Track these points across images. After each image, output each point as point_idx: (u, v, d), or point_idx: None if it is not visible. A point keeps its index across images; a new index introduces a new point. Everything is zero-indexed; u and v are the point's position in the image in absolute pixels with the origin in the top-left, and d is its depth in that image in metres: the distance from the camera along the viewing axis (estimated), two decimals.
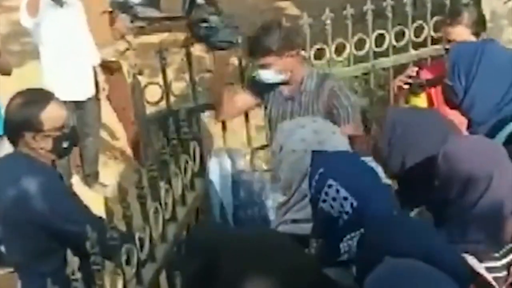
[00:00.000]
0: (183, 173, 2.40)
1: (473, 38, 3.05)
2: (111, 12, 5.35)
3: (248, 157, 3.95)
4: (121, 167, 5.77)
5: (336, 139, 2.07)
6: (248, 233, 1.73)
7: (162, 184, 2.21)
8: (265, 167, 4.75)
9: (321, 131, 2.06)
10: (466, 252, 1.86)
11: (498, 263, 1.92)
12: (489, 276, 1.87)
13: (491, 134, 2.51)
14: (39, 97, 2.65)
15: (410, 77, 3.07)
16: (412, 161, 2.13)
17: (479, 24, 3.12)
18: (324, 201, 1.75)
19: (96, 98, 5.03)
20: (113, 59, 5.17)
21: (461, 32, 3.06)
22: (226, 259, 1.57)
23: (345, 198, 1.73)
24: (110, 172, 5.62)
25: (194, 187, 2.53)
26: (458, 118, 2.59)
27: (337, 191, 1.73)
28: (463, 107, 2.60)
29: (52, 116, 2.59)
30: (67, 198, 2.64)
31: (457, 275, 1.52)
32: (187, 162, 2.44)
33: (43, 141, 2.59)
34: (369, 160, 1.85)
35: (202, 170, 2.65)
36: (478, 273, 1.85)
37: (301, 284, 1.53)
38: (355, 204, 1.72)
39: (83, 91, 4.83)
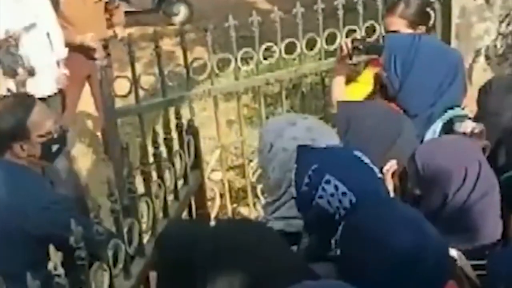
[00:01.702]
0: (176, 167, 2.35)
1: (408, 30, 3.07)
2: (106, 2, 5.31)
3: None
4: (88, 162, 5.71)
5: (328, 136, 2.01)
6: (227, 227, 1.69)
7: (154, 179, 2.17)
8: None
9: (313, 128, 1.99)
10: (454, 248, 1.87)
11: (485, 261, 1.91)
12: (472, 274, 1.86)
13: (425, 127, 2.54)
14: (21, 103, 2.54)
15: (352, 41, 3.02)
16: (369, 153, 2.12)
17: (418, 18, 3.13)
18: (321, 197, 1.71)
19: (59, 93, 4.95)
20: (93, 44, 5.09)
21: (395, 22, 3.11)
22: (200, 254, 1.54)
23: (344, 194, 1.70)
24: (77, 167, 5.55)
25: (188, 181, 2.49)
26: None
27: (336, 186, 1.70)
28: (399, 98, 2.59)
29: (38, 122, 2.50)
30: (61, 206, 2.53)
31: (442, 264, 1.52)
32: (180, 156, 2.39)
33: (31, 149, 2.50)
34: (362, 155, 1.81)
35: (197, 164, 2.60)
36: (461, 268, 1.85)
37: (282, 280, 1.49)
38: (353, 199, 1.69)
39: (46, 87, 4.69)
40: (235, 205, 4.48)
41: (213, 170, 4.25)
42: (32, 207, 2.44)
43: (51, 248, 1.67)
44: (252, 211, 4.04)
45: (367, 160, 1.80)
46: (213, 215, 4.31)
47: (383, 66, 2.64)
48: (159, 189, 2.18)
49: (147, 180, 2.12)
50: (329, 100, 3.19)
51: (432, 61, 2.58)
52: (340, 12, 3.75)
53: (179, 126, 2.43)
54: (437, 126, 2.55)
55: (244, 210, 4.46)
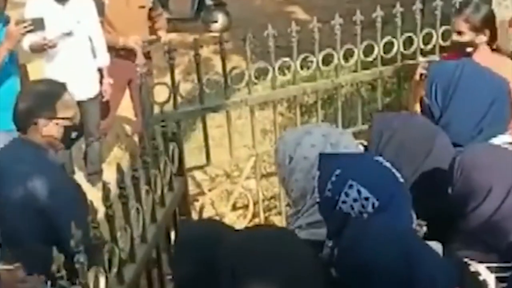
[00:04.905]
0: (163, 174, 2.40)
1: (470, 33, 3.24)
2: (150, 8, 5.41)
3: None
4: (125, 166, 5.78)
5: (346, 139, 2.03)
6: (250, 233, 1.71)
7: (142, 185, 2.21)
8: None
9: (329, 133, 2.00)
10: (475, 261, 1.87)
11: (509, 273, 1.90)
12: (497, 286, 1.86)
13: None
14: (53, 86, 2.73)
15: (427, 68, 3.12)
16: (402, 164, 2.13)
17: (483, 24, 3.26)
18: (344, 202, 1.71)
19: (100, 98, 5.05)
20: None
21: (460, 24, 3.27)
22: (225, 258, 1.56)
23: (367, 198, 1.70)
24: (114, 171, 5.62)
25: (173, 188, 2.53)
26: None
27: (358, 191, 1.70)
28: (439, 126, 2.54)
29: (65, 105, 2.66)
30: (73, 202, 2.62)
31: (438, 277, 1.52)
32: (166, 163, 2.44)
33: (54, 129, 2.65)
34: (383, 160, 1.82)
35: (181, 171, 2.65)
36: (485, 282, 1.85)
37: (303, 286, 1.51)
38: (376, 204, 1.70)
39: (84, 91, 4.77)
40: (267, 213, 4.50)
41: (247, 178, 4.29)
42: (43, 189, 2.54)
43: (54, 250, 1.71)
44: (284, 219, 4.05)
45: (388, 165, 1.80)
46: (246, 222, 4.34)
47: (425, 93, 2.64)
48: (147, 195, 2.23)
49: (136, 186, 2.16)
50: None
51: (474, 90, 2.55)
52: (379, 24, 3.76)
53: (164, 134, 2.48)
54: None
55: (276, 219, 4.48)
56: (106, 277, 1.87)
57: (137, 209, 2.12)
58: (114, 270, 1.95)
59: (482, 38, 3.27)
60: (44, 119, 2.63)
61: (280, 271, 1.49)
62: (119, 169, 2.07)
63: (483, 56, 3.21)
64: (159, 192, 2.36)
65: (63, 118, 2.65)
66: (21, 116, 2.69)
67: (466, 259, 1.91)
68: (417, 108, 3.11)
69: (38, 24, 4.01)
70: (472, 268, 1.88)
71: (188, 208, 2.85)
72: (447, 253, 1.79)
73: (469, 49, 3.28)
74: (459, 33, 3.28)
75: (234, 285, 1.50)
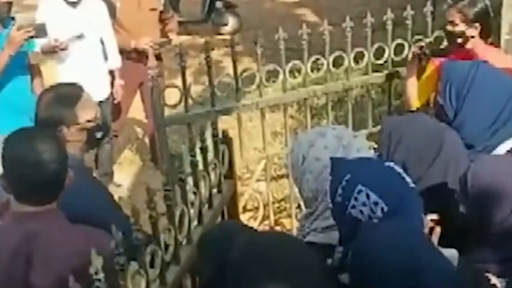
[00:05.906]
0: (211, 176, 2.40)
1: (462, 24, 3.27)
2: (161, 11, 5.42)
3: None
4: (135, 168, 5.81)
5: (359, 142, 2.04)
6: (262, 238, 1.72)
7: (189, 187, 2.22)
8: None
9: (342, 135, 2.02)
10: (494, 274, 1.86)
11: None
12: None
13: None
14: (69, 91, 2.67)
15: (421, 47, 3.34)
16: (412, 166, 2.13)
17: (475, 17, 3.27)
18: (353, 207, 1.72)
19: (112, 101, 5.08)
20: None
21: (452, 14, 3.31)
22: (229, 262, 1.57)
23: (376, 203, 1.70)
24: (124, 173, 5.66)
25: (221, 190, 2.53)
26: None
27: (368, 196, 1.71)
28: (453, 127, 2.57)
29: (85, 107, 2.62)
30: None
31: (446, 285, 1.52)
32: (215, 165, 2.44)
33: (78, 133, 2.62)
34: (393, 165, 1.82)
35: (231, 174, 2.65)
36: None
37: None
38: (385, 208, 1.70)
39: (96, 93, 4.74)
40: (277, 215, 4.50)
41: (257, 181, 4.29)
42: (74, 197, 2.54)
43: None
44: (294, 221, 4.06)
45: (398, 169, 1.81)
46: (256, 224, 4.35)
47: (439, 94, 2.65)
48: (194, 197, 2.23)
49: (183, 188, 2.16)
50: (405, 99, 3.41)
51: (489, 90, 2.55)
52: (389, 27, 3.76)
53: (214, 136, 2.48)
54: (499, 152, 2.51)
55: (286, 221, 4.48)
56: (147, 279, 1.87)
57: (183, 210, 2.13)
58: (156, 271, 1.94)
59: (473, 32, 3.29)
60: (66, 127, 2.59)
61: (282, 279, 1.49)
62: (164, 172, 2.09)
63: (476, 48, 3.26)
64: (207, 194, 2.36)
65: (85, 121, 2.62)
66: (44, 127, 2.61)
67: (485, 273, 1.90)
68: (409, 87, 3.29)
69: (40, 30, 3.99)
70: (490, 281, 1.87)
71: (237, 210, 2.84)
72: (464, 263, 1.78)
73: (459, 40, 3.30)
74: (452, 22, 3.31)
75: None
